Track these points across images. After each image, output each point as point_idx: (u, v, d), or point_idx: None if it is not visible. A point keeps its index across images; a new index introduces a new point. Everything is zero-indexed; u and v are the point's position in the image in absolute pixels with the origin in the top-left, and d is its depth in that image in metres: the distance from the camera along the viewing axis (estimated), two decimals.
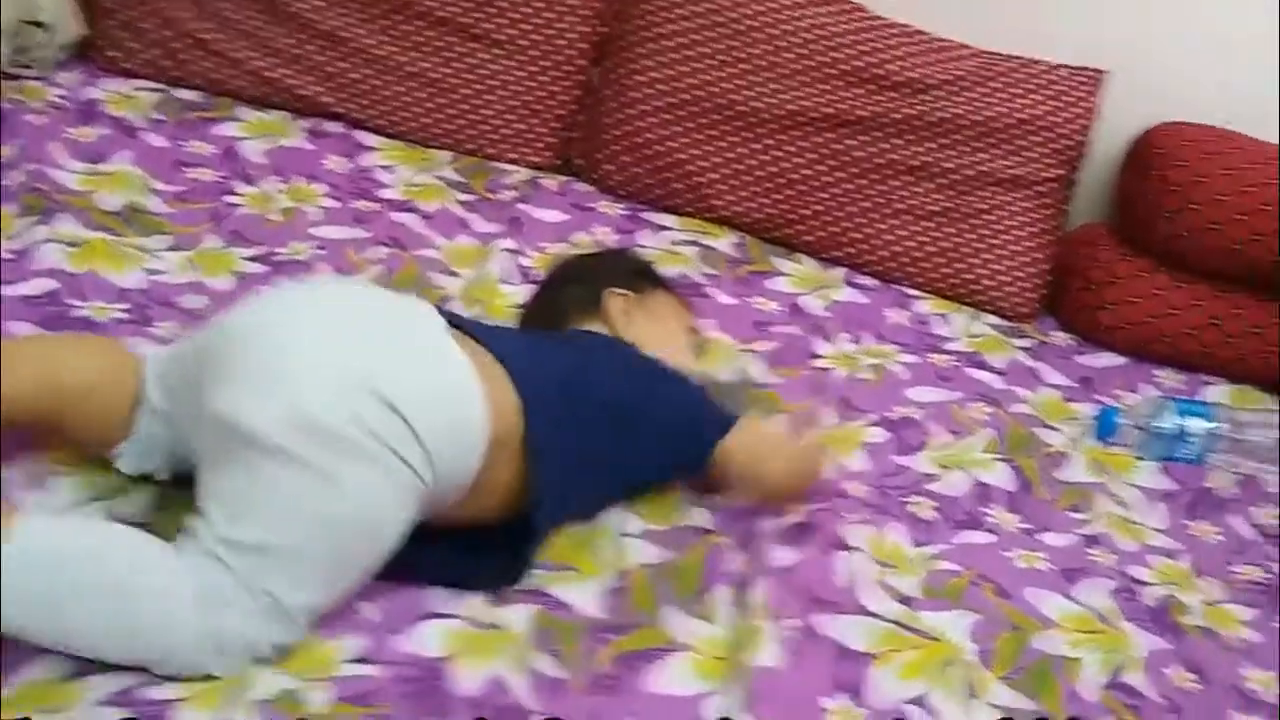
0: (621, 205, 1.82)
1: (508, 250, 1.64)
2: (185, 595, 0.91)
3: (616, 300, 1.33)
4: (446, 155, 1.83)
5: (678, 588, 1.13)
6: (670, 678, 1.03)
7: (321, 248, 1.56)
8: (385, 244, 1.61)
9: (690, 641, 1.07)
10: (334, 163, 1.77)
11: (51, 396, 1.03)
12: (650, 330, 1.31)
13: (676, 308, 1.40)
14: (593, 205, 1.81)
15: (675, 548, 1.17)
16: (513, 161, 1.85)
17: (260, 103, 1.82)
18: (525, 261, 1.64)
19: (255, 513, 0.94)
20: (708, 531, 1.21)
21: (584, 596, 1.09)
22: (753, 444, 1.23)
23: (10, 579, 0.86)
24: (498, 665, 0.99)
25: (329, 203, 1.68)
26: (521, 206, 1.76)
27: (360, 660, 0.97)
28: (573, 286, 1.37)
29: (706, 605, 1.12)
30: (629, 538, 1.17)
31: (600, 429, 1.14)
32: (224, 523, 0.93)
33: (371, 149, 1.81)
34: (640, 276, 1.40)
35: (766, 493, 1.24)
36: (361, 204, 1.69)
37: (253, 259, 1.51)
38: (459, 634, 1.01)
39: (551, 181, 1.84)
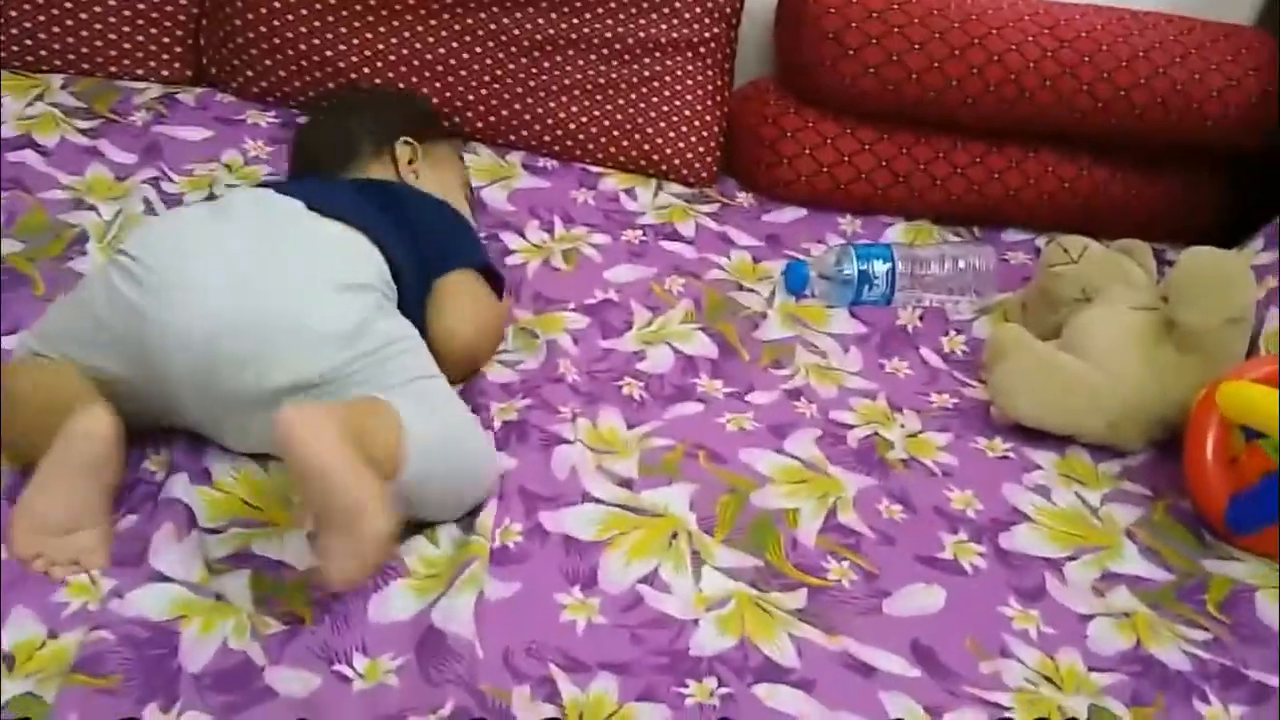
0: (272, 113, 1.67)
1: (149, 180, 1.48)
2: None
3: (405, 150, 1.43)
4: (59, 79, 1.62)
5: None
6: (393, 603, 0.99)
7: None
8: (4, 187, 1.42)
9: (410, 564, 1.03)
10: None
11: None
12: (432, 184, 1.42)
13: (456, 162, 1.53)
14: (240, 117, 1.65)
15: None
16: (140, 78, 1.66)
17: None
18: (171, 188, 1.49)
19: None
20: None
21: (293, 550, 1.03)
22: (471, 292, 1.29)
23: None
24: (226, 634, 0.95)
25: None
26: (158, 128, 1.58)
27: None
28: (366, 119, 1.46)
29: (429, 531, 1.07)
30: None
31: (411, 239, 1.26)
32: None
33: None
34: (428, 123, 1.53)
35: (448, 342, 1.25)
36: None
37: None
38: (185, 602, 0.97)
39: (188, 96, 1.66)
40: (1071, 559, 1.18)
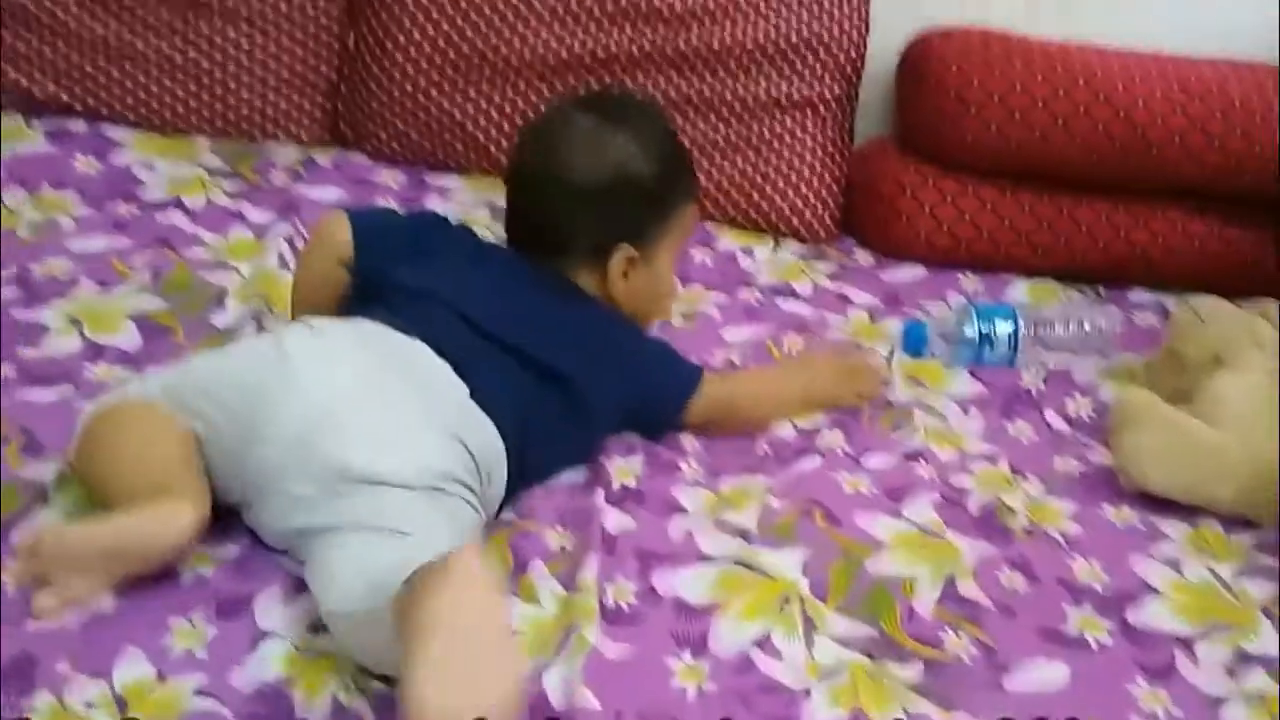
0: (402, 172, 1.74)
1: (285, 238, 1.55)
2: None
3: (620, 260, 1.29)
4: (206, 142, 1.71)
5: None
6: None
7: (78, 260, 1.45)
8: (151, 247, 1.50)
9: (515, 625, 1.03)
10: (84, 164, 1.63)
11: None
12: (642, 281, 1.32)
13: (683, 226, 1.36)
14: (372, 177, 1.72)
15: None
16: (280, 139, 1.74)
17: None
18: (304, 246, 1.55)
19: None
20: (507, 523, 1.16)
21: None
22: (725, 395, 1.33)
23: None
24: (334, 688, 0.95)
25: (84, 210, 1.56)
26: (295, 188, 1.66)
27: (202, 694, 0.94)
28: (588, 220, 1.28)
29: (524, 586, 1.08)
30: None
31: (560, 448, 1.22)
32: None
33: (123, 145, 1.69)
34: (661, 206, 1.32)
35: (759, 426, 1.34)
36: (121, 208, 1.57)
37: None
38: (291, 658, 0.97)
39: (325, 157, 1.74)
40: (1203, 636, 1.13)
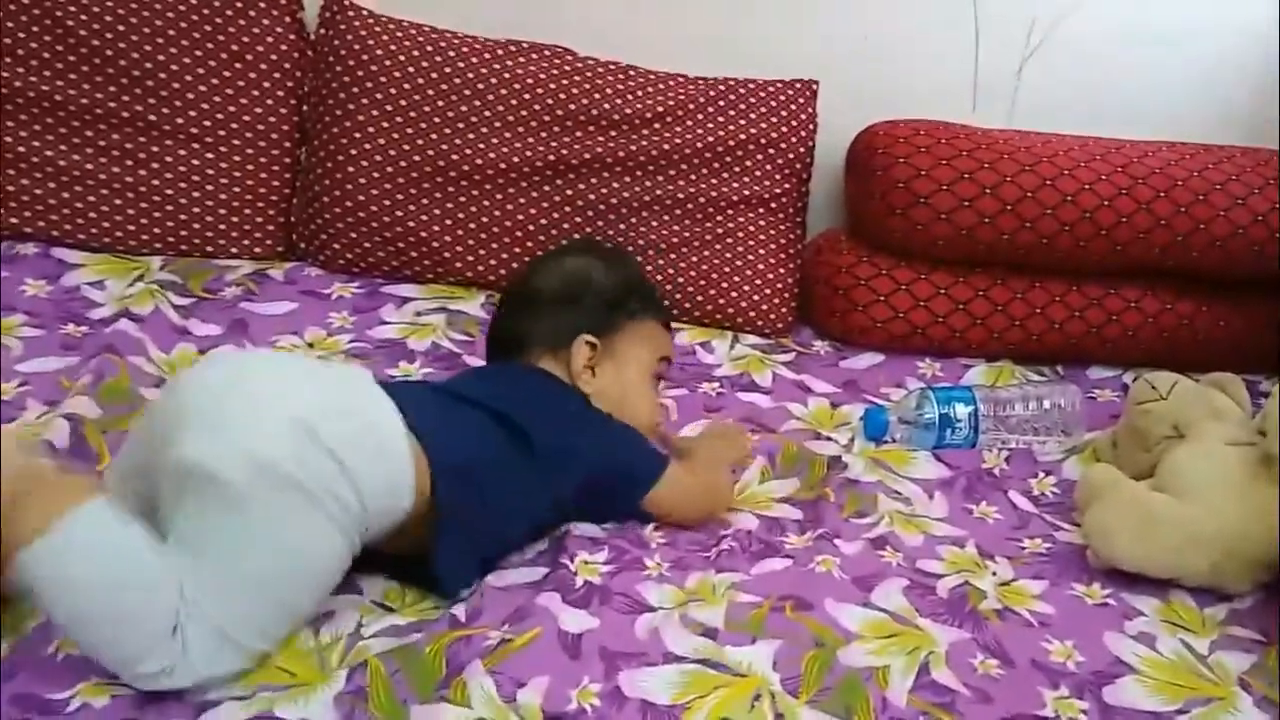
0: (357, 284, 1.73)
1: None
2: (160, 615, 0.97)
3: (583, 350, 1.34)
4: (158, 260, 1.71)
5: (418, 680, 1.02)
6: None
7: (25, 384, 1.42)
8: (98, 353, 1.47)
9: None
10: (34, 287, 1.62)
11: None
12: (610, 380, 1.34)
13: (652, 338, 1.40)
14: (325, 290, 1.71)
15: (413, 634, 1.08)
16: (234, 255, 1.74)
17: None
18: None
19: (209, 549, 0.99)
20: (461, 623, 1.11)
21: (316, 710, 0.98)
22: (678, 495, 1.30)
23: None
24: None
25: (31, 332, 1.54)
26: (245, 304, 1.64)
27: None
28: (548, 316, 1.35)
29: (457, 689, 1.01)
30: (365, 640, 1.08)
31: (515, 495, 1.19)
32: (183, 559, 0.99)
33: (77, 266, 1.67)
34: (621, 307, 1.38)
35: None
36: (71, 328, 1.55)
37: None
38: None
39: (278, 271, 1.74)
40: (1182, 713, 1.11)
